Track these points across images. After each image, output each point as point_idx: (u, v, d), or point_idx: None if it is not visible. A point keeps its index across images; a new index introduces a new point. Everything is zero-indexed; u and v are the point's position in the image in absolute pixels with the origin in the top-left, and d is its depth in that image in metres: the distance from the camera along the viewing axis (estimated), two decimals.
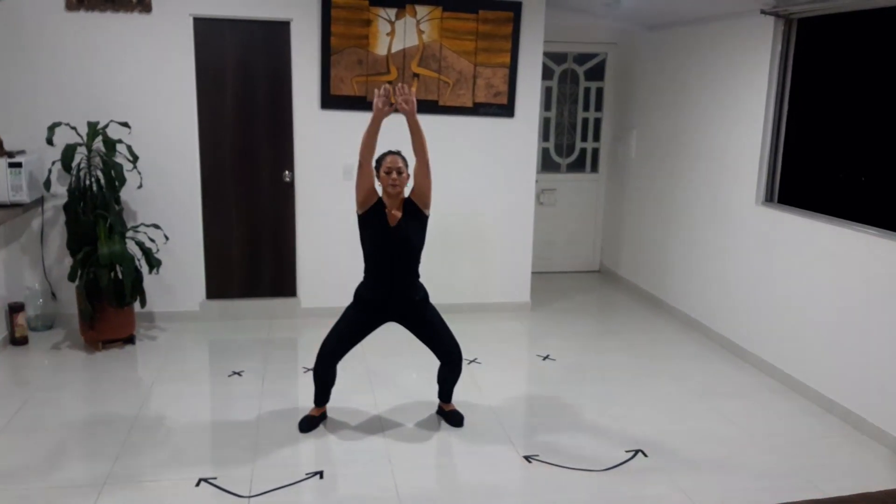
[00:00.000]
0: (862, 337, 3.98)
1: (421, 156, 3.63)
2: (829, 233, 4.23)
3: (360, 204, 3.66)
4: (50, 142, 4.59)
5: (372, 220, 3.66)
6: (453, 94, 5.48)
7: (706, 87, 5.40)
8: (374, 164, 3.71)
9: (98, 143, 4.80)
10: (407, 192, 3.73)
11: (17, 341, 4.86)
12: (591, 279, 7.11)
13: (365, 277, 3.79)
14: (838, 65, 4.60)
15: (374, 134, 3.59)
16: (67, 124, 4.72)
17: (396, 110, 3.60)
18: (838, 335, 4.15)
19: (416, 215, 3.70)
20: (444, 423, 3.94)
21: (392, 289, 3.73)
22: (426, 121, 5.42)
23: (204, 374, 4.63)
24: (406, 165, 3.69)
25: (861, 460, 3.68)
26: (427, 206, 3.72)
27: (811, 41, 4.60)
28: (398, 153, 3.72)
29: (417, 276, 3.80)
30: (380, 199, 3.68)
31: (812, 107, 4.71)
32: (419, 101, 5.41)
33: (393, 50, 5.33)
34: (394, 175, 3.63)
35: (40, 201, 5.03)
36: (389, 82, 5.30)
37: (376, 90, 3.56)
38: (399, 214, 3.67)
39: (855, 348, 4.03)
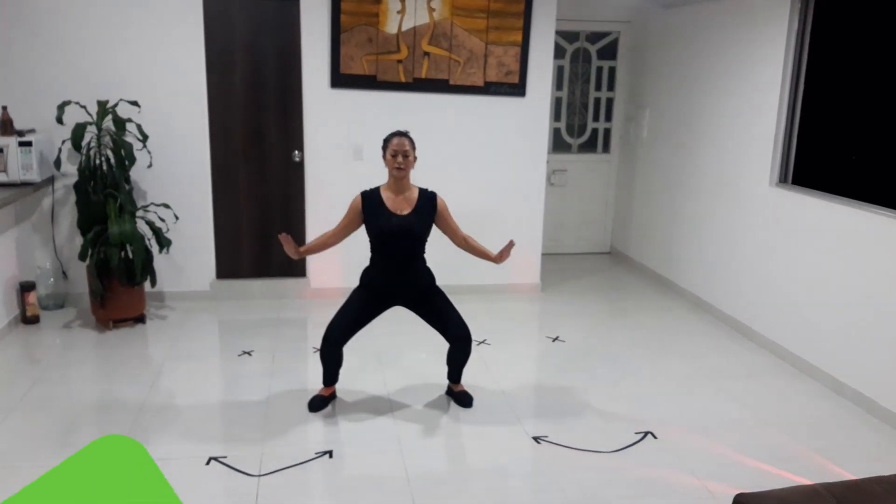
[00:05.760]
0: (875, 319, 3.94)
1: (468, 248, 3.86)
2: (843, 214, 4.18)
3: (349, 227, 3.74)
4: (60, 121, 4.58)
5: (372, 216, 3.63)
6: (464, 73, 5.42)
7: (720, 66, 5.32)
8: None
9: (108, 122, 4.80)
10: (439, 202, 3.74)
11: (29, 320, 4.89)
12: (602, 261, 7.08)
13: (371, 263, 3.78)
14: (855, 43, 4.52)
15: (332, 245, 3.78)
16: (77, 103, 4.71)
17: None
18: (851, 317, 4.11)
19: (427, 214, 3.69)
20: (453, 404, 3.94)
21: (398, 276, 3.72)
22: (437, 100, 5.44)
23: (214, 353, 4.65)
24: (413, 148, 3.64)
25: (873, 443, 3.66)
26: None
27: (828, 19, 4.51)
28: (405, 134, 3.65)
29: (424, 261, 3.78)
30: (369, 198, 3.65)
31: (828, 86, 4.63)
32: (430, 80, 5.38)
33: (403, 28, 5.27)
34: (399, 158, 3.59)
35: (51, 180, 5.04)
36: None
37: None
38: (409, 208, 3.64)
39: (868, 331, 3.99)
